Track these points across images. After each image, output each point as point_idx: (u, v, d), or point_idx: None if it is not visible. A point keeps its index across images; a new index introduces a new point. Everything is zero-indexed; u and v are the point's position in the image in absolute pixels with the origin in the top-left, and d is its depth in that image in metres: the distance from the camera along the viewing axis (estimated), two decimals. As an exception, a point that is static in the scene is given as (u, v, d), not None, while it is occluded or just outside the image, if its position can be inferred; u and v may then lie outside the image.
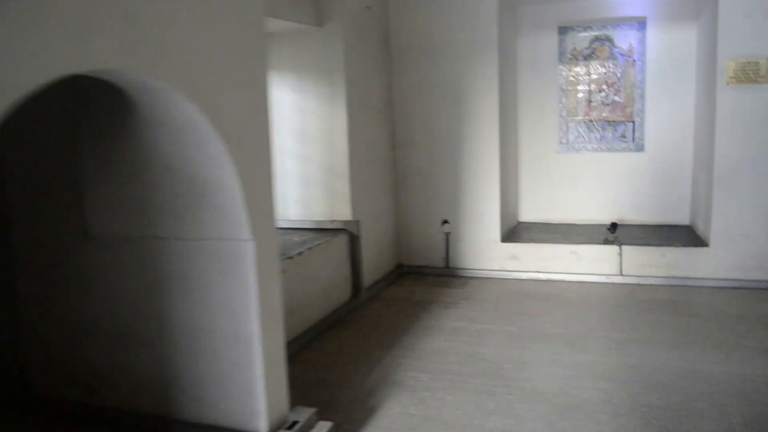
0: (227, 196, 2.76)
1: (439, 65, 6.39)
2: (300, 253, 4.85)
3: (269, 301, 2.99)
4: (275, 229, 3.06)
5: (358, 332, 5.06)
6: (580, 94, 7.07)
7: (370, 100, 6.11)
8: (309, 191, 5.78)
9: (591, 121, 7.09)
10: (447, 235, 6.55)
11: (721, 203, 5.87)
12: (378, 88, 6.29)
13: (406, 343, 4.74)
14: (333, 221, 5.69)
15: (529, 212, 7.44)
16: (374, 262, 6.14)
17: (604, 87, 7.01)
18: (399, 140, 6.62)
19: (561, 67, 7.09)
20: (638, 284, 6.00)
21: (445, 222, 6.55)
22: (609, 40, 6.93)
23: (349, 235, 5.66)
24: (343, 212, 5.72)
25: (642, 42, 6.83)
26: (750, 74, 5.71)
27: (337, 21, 5.53)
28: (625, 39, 6.89)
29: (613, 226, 6.25)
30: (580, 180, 7.21)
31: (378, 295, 5.99)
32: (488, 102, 6.29)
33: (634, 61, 6.89)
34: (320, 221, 5.73)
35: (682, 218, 6.97)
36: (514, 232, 6.94)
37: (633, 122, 6.97)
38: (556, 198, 7.31)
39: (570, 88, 7.10)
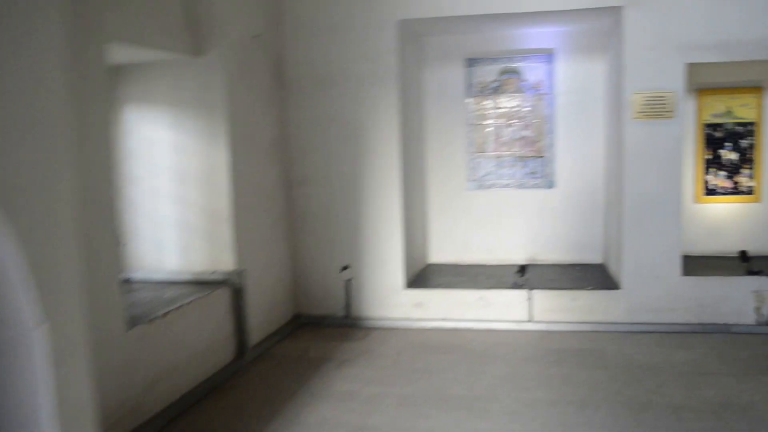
0: (2, 272, 2.18)
1: (337, 98, 5.94)
2: (166, 314, 4.23)
3: (72, 400, 2.39)
4: (81, 306, 2.47)
5: (237, 400, 4.46)
6: (489, 129, 6.76)
7: (259, 137, 5.59)
8: (188, 239, 5.18)
9: (500, 156, 6.77)
10: (347, 281, 6.05)
11: (631, 243, 5.61)
12: (269, 123, 5.78)
13: (289, 412, 4.17)
14: (214, 272, 5.10)
15: (439, 253, 7.03)
16: (266, 315, 5.57)
17: (513, 121, 6.71)
18: (295, 179, 6.11)
19: (469, 100, 6.77)
20: (548, 331, 5.63)
21: (346, 267, 6.05)
22: (517, 72, 6.66)
23: (233, 287, 5.08)
24: (226, 262, 5.14)
25: (550, 75, 6.59)
26: (656, 109, 5.49)
27: (217, 50, 5.00)
28: (533, 72, 6.63)
29: (522, 269, 5.90)
30: (491, 218, 6.87)
31: (268, 353, 5.40)
32: (389, 137, 5.87)
33: (543, 94, 6.63)
34: (200, 273, 5.13)
35: (595, 257, 6.70)
36: (421, 276, 6.50)
37: (543, 157, 6.69)
38: (467, 238, 6.94)
39: (479, 122, 6.77)
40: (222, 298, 4.99)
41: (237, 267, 5.12)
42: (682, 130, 5.54)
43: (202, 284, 5.01)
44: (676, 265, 5.57)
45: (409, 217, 6.23)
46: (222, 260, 5.15)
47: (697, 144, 6.42)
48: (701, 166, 6.42)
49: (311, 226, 6.12)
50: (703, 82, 6.36)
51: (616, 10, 5.57)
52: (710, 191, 6.43)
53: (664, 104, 5.51)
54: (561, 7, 5.56)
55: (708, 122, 6.38)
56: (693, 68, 5.77)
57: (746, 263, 5.64)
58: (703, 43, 5.38)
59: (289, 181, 6.10)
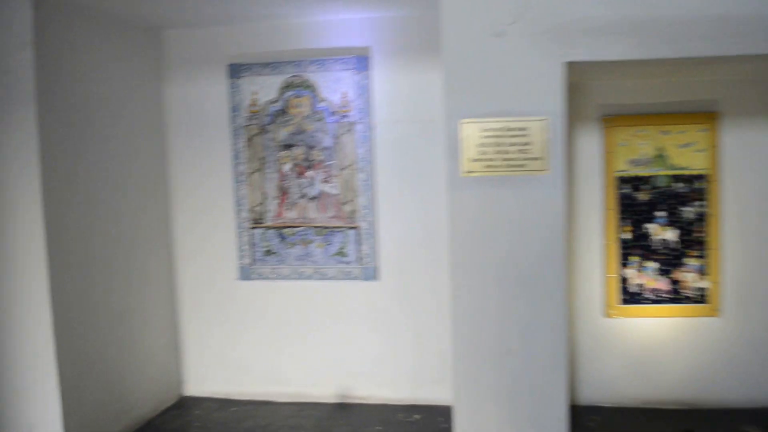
0: None
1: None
2: None
3: None
4: None
5: None
6: (269, 182, 4.07)
7: None
8: None
9: (287, 227, 4.08)
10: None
11: (467, 402, 2.92)
12: None
13: None
14: None
15: (203, 381, 4.32)
16: None
17: (307, 169, 4.03)
18: None
19: (236, 134, 4.10)
20: None
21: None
22: (310, 87, 4.00)
23: None
24: None
25: (364, 91, 3.92)
26: (510, 154, 2.84)
27: None
28: (335, 87, 3.96)
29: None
30: (277, 324, 4.19)
31: None
32: (27, 198, 3.21)
33: (353, 123, 3.96)
34: None
35: (443, 394, 3.97)
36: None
37: (356, 229, 4.00)
38: (242, 355, 4.24)
39: (252, 170, 4.09)
40: None
41: None
42: (564, 193, 2.87)
43: None
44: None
45: (70, 334, 3.56)
46: None
47: (606, 214, 3.70)
48: (614, 253, 3.69)
49: None
50: (613, 104, 3.66)
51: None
52: (632, 297, 3.69)
53: (527, 145, 2.85)
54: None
55: (624, 175, 3.66)
56: (589, 73, 3.16)
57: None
58: (606, 22, 2.76)
59: None
